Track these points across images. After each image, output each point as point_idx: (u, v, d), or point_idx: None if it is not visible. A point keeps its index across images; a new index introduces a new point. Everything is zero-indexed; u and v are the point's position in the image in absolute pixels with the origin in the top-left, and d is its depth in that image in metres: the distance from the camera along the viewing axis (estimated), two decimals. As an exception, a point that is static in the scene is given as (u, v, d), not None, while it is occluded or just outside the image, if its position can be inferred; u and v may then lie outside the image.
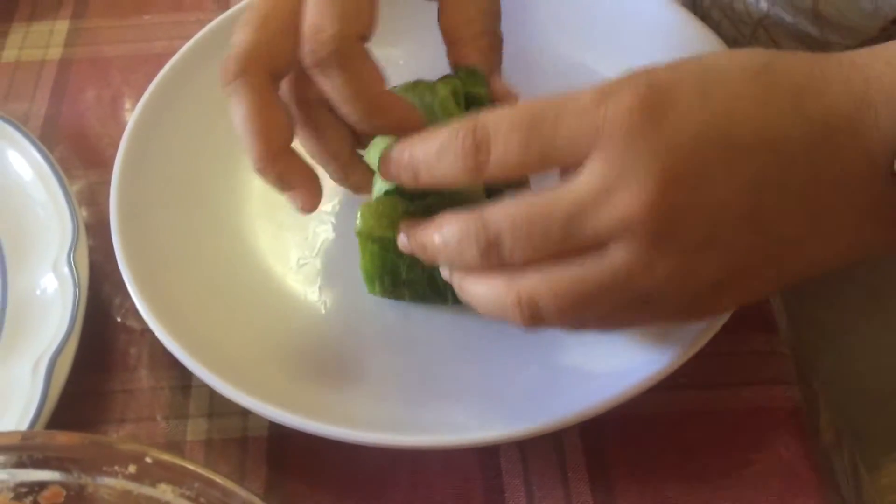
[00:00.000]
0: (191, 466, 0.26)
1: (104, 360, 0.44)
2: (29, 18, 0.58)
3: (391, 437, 0.38)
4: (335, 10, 0.35)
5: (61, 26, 0.58)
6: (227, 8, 0.58)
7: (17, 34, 0.57)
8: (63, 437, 0.28)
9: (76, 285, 0.42)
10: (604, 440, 0.40)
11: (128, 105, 0.54)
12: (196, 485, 0.26)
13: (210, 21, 0.53)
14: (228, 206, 0.47)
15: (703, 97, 0.31)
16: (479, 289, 0.34)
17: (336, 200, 0.47)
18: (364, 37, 0.37)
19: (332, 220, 0.47)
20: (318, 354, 0.42)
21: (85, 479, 0.27)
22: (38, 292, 0.43)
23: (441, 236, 0.34)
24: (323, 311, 0.44)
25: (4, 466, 0.28)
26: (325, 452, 0.40)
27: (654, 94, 0.30)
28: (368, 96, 0.36)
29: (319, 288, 0.44)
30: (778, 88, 0.31)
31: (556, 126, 0.31)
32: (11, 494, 0.28)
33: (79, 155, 0.51)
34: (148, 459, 0.26)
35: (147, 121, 0.48)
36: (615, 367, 0.40)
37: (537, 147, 0.31)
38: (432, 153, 0.33)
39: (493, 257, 0.32)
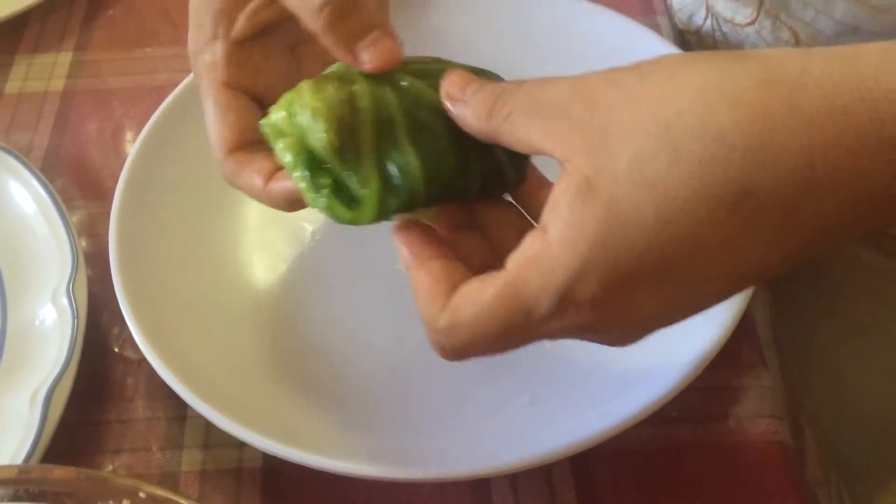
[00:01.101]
0: (183, 502, 0.27)
1: (101, 391, 0.44)
2: (33, 50, 0.59)
3: (384, 469, 0.38)
4: (209, 137, 0.38)
5: (64, 58, 0.59)
6: (228, 41, 0.59)
7: (20, 66, 0.58)
8: (59, 472, 0.28)
9: (74, 316, 0.42)
10: (594, 473, 0.41)
11: (128, 137, 0.55)
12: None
13: None
14: (226, 239, 0.48)
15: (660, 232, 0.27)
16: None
17: (334, 234, 0.48)
18: (238, 145, 0.37)
19: (329, 252, 0.47)
20: (313, 388, 0.43)
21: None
22: (36, 323, 0.43)
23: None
24: (319, 346, 0.44)
25: (2, 499, 0.28)
26: (319, 484, 0.40)
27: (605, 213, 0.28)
28: (261, 197, 0.36)
29: (315, 322, 0.45)
30: (757, 227, 0.27)
31: None
32: (8, 527, 0.28)
33: (79, 186, 0.52)
34: (142, 494, 0.27)
35: (147, 153, 0.48)
36: (606, 400, 0.40)
37: None
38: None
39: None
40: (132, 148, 0.48)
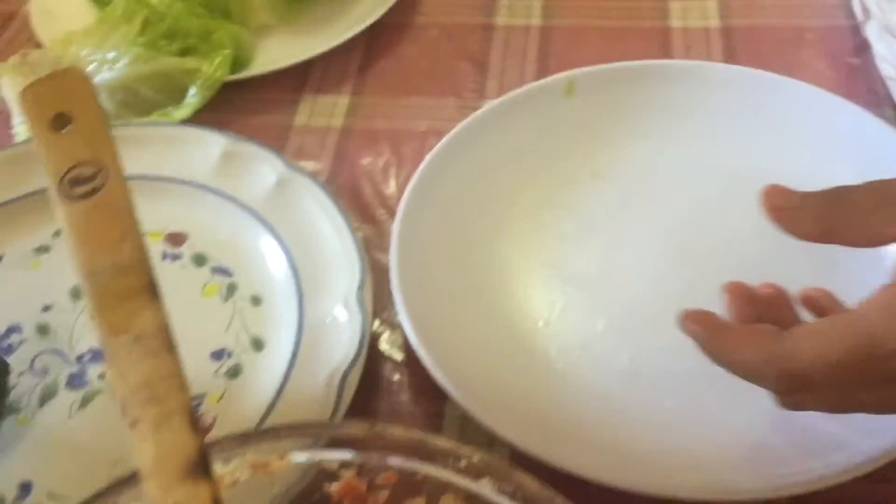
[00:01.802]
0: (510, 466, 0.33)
1: (372, 386, 0.52)
2: (316, 91, 0.69)
3: (622, 479, 0.43)
4: None
5: (343, 100, 0.68)
6: (484, 96, 0.67)
7: (306, 103, 0.68)
8: (398, 431, 0.35)
9: (364, 316, 0.50)
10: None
11: (395, 172, 0.63)
12: (515, 482, 0.32)
13: (467, 107, 0.63)
14: (489, 270, 0.55)
15: None
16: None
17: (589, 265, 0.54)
18: None
19: (583, 286, 0.54)
20: (558, 399, 0.49)
21: (418, 468, 0.34)
22: (328, 321, 0.51)
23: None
24: (561, 364, 0.50)
25: (355, 449, 0.35)
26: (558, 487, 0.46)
27: None
28: None
29: (562, 346, 0.51)
30: None
31: None
32: (355, 472, 0.35)
33: (354, 212, 0.61)
34: (475, 458, 0.33)
35: (422, 187, 0.56)
36: (829, 451, 0.44)
37: None
38: (738, 365, 0.38)
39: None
40: (411, 181, 0.56)
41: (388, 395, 0.51)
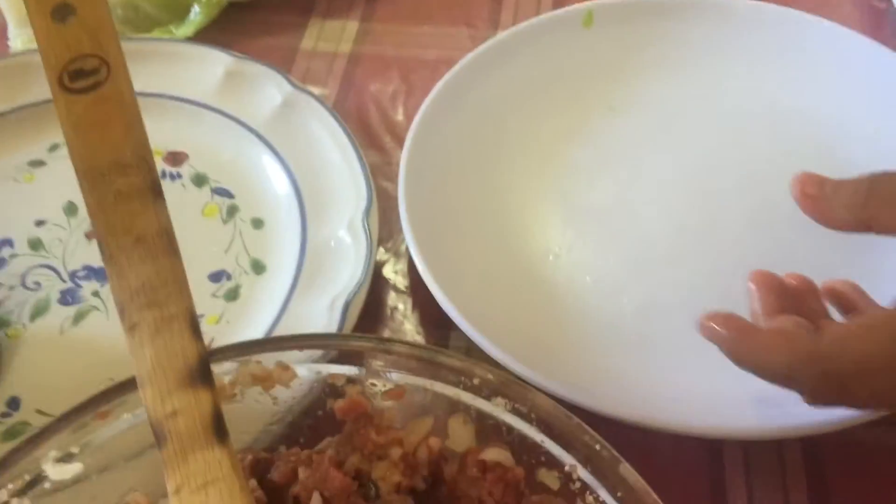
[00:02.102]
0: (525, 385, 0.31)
1: (376, 312, 0.50)
2: (324, 16, 0.67)
3: (626, 411, 0.42)
4: None
5: (352, 26, 0.66)
6: (498, 26, 0.65)
7: (314, 27, 0.66)
8: (407, 347, 0.33)
9: (369, 241, 0.48)
10: (825, 461, 0.43)
11: (403, 100, 0.61)
12: (530, 402, 0.31)
13: (480, 37, 0.61)
14: (499, 200, 0.53)
15: None
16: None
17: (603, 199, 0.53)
18: None
19: (596, 220, 0.52)
20: (567, 332, 0.47)
21: (427, 385, 0.33)
22: (332, 243, 0.49)
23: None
24: (572, 296, 0.49)
25: (361, 365, 0.34)
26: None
27: None
28: None
29: (573, 279, 0.50)
30: None
31: None
32: (360, 388, 0.34)
33: (360, 138, 0.59)
34: (490, 376, 0.32)
35: (432, 115, 0.54)
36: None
37: None
38: (770, 368, 0.36)
39: None
40: (423, 104, 0.54)
41: (392, 323, 0.50)
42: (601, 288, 0.50)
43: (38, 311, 0.49)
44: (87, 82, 0.34)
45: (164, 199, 0.34)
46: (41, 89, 0.57)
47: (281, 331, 0.46)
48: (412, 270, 0.51)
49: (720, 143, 0.56)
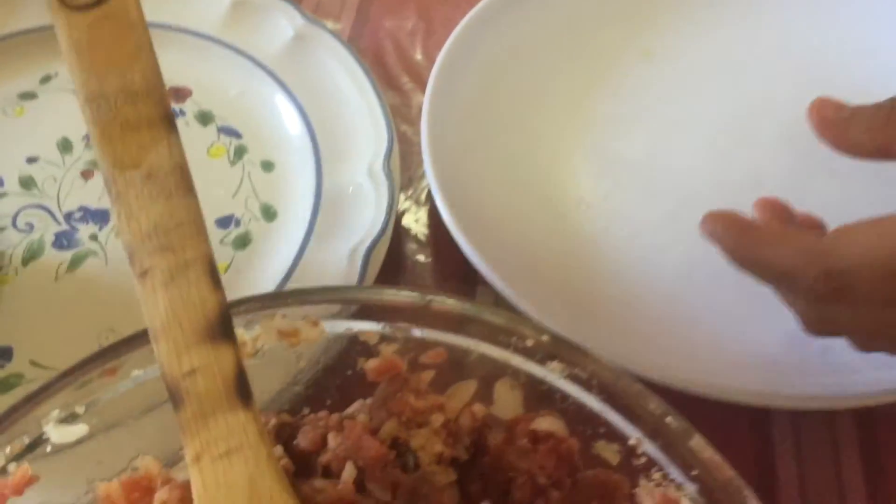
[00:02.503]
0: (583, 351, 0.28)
1: (395, 264, 0.47)
2: (335, -55, 0.62)
3: (670, 376, 0.39)
4: None
5: (366, -44, 0.61)
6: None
7: (325, -42, 0.61)
8: (453, 303, 0.30)
9: (391, 187, 0.45)
10: (879, 435, 0.41)
11: (422, 38, 0.57)
12: (589, 367, 0.28)
13: None
14: (526, 147, 0.49)
15: None
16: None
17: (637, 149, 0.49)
18: None
19: (632, 171, 0.49)
20: (602, 286, 0.44)
21: (470, 346, 0.29)
22: (350, 190, 0.46)
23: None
24: (606, 249, 0.46)
25: (397, 323, 0.30)
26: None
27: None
28: None
29: (608, 231, 0.46)
30: None
31: None
32: (397, 347, 0.31)
33: (376, 78, 0.55)
34: (544, 338, 0.28)
35: (456, 55, 0.50)
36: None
37: None
38: (770, 264, 0.35)
39: None
40: (447, 43, 0.50)
41: (412, 276, 0.46)
42: (638, 243, 0.46)
43: (31, 255, 0.45)
44: (90, -3, 0.30)
45: (177, 132, 0.31)
46: (31, 14, 0.53)
47: (295, 282, 0.43)
48: (434, 220, 0.48)
49: (762, 91, 0.52)
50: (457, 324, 0.30)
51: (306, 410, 0.32)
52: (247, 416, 0.27)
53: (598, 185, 0.48)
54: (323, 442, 0.29)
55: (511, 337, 0.29)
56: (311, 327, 0.30)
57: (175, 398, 0.27)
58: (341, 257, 0.43)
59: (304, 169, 0.48)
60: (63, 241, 0.46)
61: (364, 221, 0.44)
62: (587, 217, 0.47)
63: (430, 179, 0.45)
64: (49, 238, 0.46)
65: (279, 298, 0.30)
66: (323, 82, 0.50)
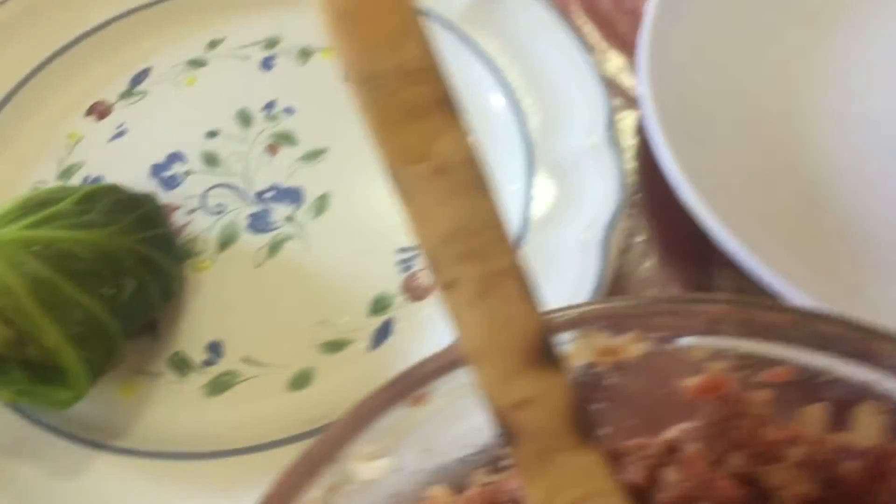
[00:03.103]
0: None
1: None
2: None
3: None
4: None
5: None
6: None
7: None
8: (831, 324, 0.26)
9: (618, 155, 0.40)
10: None
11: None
12: None
13: None
14: (761, 100, 0.44)
15: None
16: None
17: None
18: None
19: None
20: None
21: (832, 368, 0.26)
22: (565, 164, 0.42)
23: None
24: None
25: (727, 335, 0.27)
26: None
27: None
28: None
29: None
30: None
31: None
32: (730, 365, 0.27)
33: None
34: None
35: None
36: None
37: None
38: None
39: None
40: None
41: (626, 258, 0.42)
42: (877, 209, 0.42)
43: (227, 240, 0.42)
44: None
45: (463, 117, 0.27)
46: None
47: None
48: (653, 190, 0.43)
49: None
50: (800, 336, 0.26)
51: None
52: (592, 457, 0.24)
53: (853, 145, 0.43)
54: (653, 476, 0.26)
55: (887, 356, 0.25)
56: (635, 343, 0.27)
57: (506, 433, 0.24)
58: (571, 243, 0.39)
59: (508, 143, 0.44)
60: (258, 223, 0.43)
61: (591, 202, 0.40)
62: (846, 186, 0.42)
63: (656, 142, 0.40)
64: (242, 221, 0.43)
65: (607, 313, 0.27)
66: (518, 42, 0.46)
